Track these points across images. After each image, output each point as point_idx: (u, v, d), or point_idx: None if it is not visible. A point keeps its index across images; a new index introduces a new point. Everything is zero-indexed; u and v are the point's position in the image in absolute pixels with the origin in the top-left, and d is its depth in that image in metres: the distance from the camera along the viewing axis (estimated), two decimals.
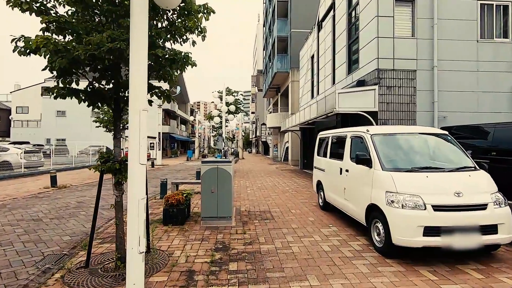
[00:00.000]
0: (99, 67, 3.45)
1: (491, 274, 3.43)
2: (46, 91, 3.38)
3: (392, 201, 3.83)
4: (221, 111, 20.39)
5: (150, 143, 31.00)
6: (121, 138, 3.80)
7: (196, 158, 32.41)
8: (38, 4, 3.11)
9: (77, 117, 34.19)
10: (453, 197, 3.67)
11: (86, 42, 2.94)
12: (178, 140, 46.21)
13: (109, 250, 4.22)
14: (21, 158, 14.65)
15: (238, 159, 29.36)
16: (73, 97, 3.46)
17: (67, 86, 3.40)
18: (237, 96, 48.42)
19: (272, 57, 26.04)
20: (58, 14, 3.20)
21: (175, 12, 3.66)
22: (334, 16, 12.42)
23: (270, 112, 31.55)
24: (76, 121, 34.89)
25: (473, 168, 4.26)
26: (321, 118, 10.88)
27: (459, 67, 8.91)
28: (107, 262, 3.79)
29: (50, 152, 18.67)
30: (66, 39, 3.28)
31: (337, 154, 5.98)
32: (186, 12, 3.60)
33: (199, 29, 3.77)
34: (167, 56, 3.60)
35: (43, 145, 28.16)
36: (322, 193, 6.80)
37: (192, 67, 3.85)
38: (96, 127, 19.23)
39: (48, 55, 2.99)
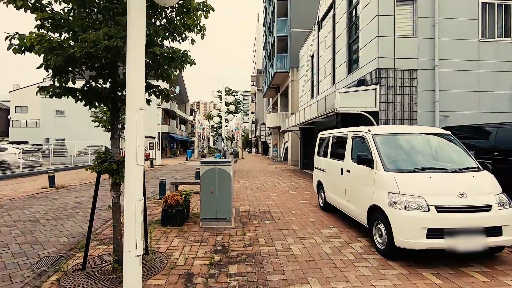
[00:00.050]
0: (95, 65, 3.38)
1: (496, 277, 3.37)
2: (41, 90, 3.29)
3: (395, 202, 3.76)
4: (220, 111, 20.28)
5: (150, 143, 30.96)
6: (120, 138, 3.73)
7: (196, 158, 32.34)
8: (33, 1, 3.03)
9: (76, 116, 34.13)
10: (457, 198, 3.61)
11: (82, 40, 2.87)
12: (178, 140, 46.15)
13: (106, 252, 4.14)
14: (19, 158, 14.55)
15: (237, 159, 29.32)
16: (70, 96, 3.40)
17: (63, 84, 3.34)
18: (236, 96, 48.42)
19: (272, 56, 25.95)
20: (53, 11, 3.12)
21: (174, 10, 3.60)
22: (334, 15, 12.35)
23: (270, 112, 31.48)
24: (75, 120, 34.85)
25: (476, 169, 4.20)
26: (321, 118, 10.82)
27: (460, 66, 8.85)
28: (104, 265, 3.71)
29: (48, 152, 18.57)
30: (62, 37, 3.21)
31: (338, 154, 5.91)
32: (185, 10, 3.54)
33: (198, 27, 3.70)
34: (165, 54, 3.54)
35: (41, 145, 28.01)
36: (322, 194, 6.73)
37: (191, 66, 3.79)
38: (95, 126, 19.17)
39: (43, 53, 2.92)
